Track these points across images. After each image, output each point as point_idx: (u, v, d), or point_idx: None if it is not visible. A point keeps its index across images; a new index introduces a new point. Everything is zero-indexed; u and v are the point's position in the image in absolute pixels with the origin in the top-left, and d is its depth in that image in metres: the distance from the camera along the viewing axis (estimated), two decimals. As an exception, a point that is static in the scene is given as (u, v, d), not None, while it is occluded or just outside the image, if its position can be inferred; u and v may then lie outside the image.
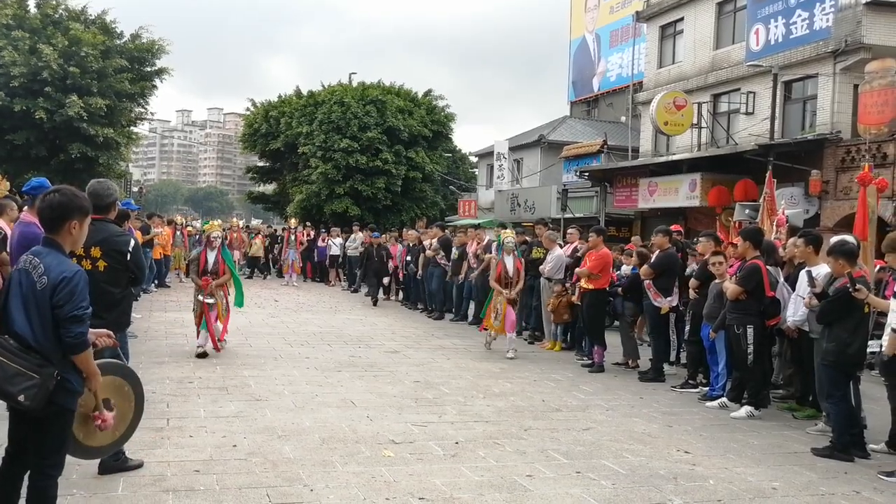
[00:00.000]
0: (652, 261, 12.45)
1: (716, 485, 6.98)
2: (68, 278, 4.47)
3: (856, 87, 20.85)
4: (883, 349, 7.76)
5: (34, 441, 4.63)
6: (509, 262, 14.04)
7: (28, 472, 4.73)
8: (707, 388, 10.99)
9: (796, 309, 9.69)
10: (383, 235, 25.49)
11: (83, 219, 4.76)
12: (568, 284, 14.09)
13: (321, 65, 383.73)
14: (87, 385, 4.79)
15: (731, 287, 9.93)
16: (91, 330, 4.99)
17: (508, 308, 13.81)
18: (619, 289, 13.22)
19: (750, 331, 9.79)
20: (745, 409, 9.81)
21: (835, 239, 9.08)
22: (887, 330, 7.60)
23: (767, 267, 10.09)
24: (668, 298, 12.20)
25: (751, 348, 9.78)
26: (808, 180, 20.72)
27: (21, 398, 4.37)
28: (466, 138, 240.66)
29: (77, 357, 4.56)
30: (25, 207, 7.73)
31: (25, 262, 4.59)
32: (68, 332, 4.42)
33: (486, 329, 14.62)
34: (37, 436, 4.61)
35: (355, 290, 25.75)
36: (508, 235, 14.51)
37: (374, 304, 21.72)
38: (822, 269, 9.20)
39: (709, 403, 10.41)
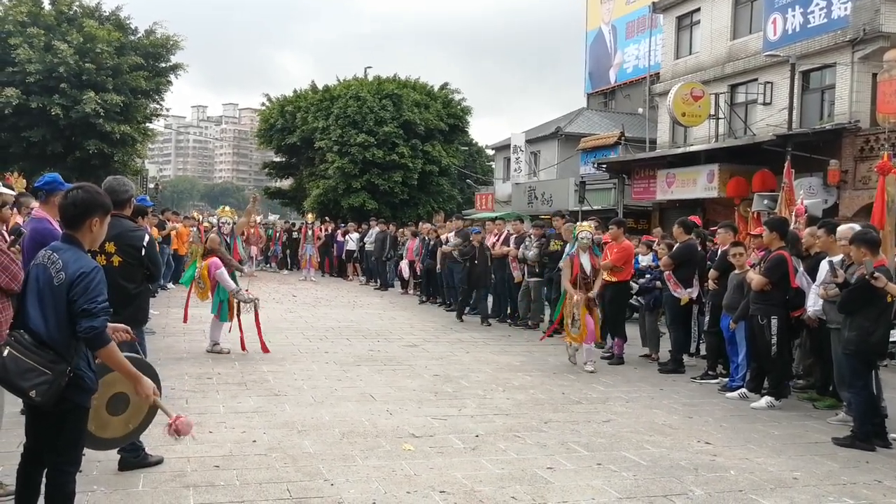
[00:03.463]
0: (671, 252, 12.40)
1: (737, 475, 6.95)
2: (86, 273, 4.48)
3: (874, 75, 20.71)
4: None
5: (50, 437, 4.64)
6: (585, 259, 12.26)
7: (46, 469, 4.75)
8: (727, 379, 10.95)
9: (816, 299, 9.64)
10: (401, 230, 25.33)
11: (104, 217, 4.78)
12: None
13: (336, 59, 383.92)
14: (139, 392, 4.87)
15: (756, 278, 9.86)
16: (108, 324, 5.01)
17: (588, 315, 12.02)
18: (657, 282, 13.05)
19: (774, 322, 9.72)
20: (766, 400, 9.77)
21: (843, 227, 9.01)
22: None
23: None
24: (688, 290, 12.13)
25: (774, 339, 9.72)
26: (826, 170, 20.59)
27: (32, 394, 4.39)
28: (483, 132, 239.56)
29: (100, 353, 4.57)
30: (37, 203, 7.72)
31: (44, 258, 4.60)
32: (79, 325, 4.42)
33: (552, 336, 13.65)
34: (52, 432, 4.62)
35: (448, 306, 19.85)
36: (585, 230, 12.36)
37: (484, 321, 17.28)
38: (838, 258, 9.15)
39: (729, 394, 10.37)
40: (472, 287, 17.69)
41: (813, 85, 23.86)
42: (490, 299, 18.37)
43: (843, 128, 20.75)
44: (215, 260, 12.19)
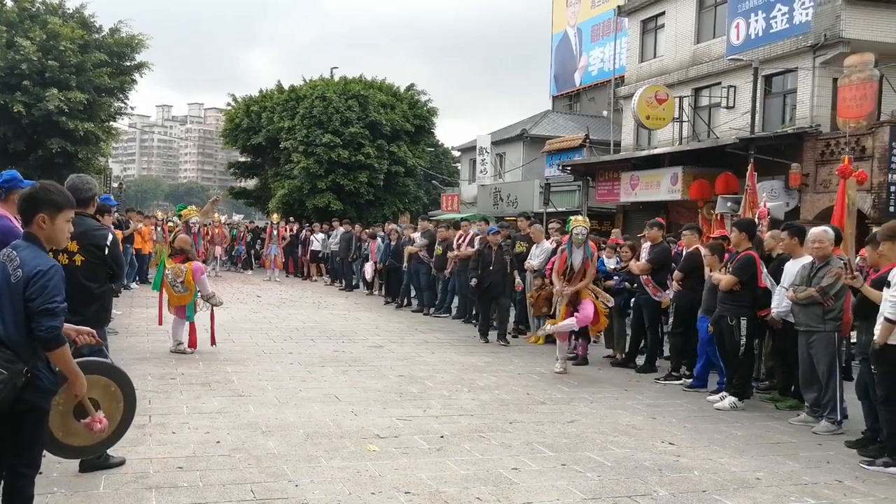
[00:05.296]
0: (649, 256, 12.42)
1: (700, 476, 7.00)
2: (42, 272, 4.39)
3: (835, 80, 20.91)
4: (875, 338, 7.56)
5: (8, 439, 4.53)
6: (577, 255, 11.90)
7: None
8: (691, 380, 11.01)
9: (780, 300, 9.72)
10: (366, 230, 25.24)
11: (54, 214, 4.65)
12: (546, 279, 14.07)
13: (302, 59, 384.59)
14: (72, 389, 4.72)
15: (725, 278, 9.92)
16: (72, 326, 4.92)
17: (569, 309, 11.83)
18: (626, 283, 13.02)
19: (743, 322, 9.79)
20: (729, 401, 9.82)
21: (816, 230, 9.07)
22: (879, 318, 7.49)
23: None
24: (667, 291, 12.17)
25: (743, 339, 9.79)
26: (788, 173, 20.82)
27: None
28: (449, 133, 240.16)
29: (52, 354, 4.47)
30: None
31: (3, 256, 4.52)
32: (40, 325, 4.33)
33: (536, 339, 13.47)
34: (10, 434, 4.52)
35: (444, 313, 18.73)
36: (579, 224, 12.07)
37: (501, 339, 14.73)
38: (805, 261, 9.24)
39: (712, 396, 10.30)
40: (489, 298, 14.92)
41: (775, 89, 24.10)
42: (455, 300, 18.36)
43: (805, 132, 21.02)
44: (199, 266, 12.34)
